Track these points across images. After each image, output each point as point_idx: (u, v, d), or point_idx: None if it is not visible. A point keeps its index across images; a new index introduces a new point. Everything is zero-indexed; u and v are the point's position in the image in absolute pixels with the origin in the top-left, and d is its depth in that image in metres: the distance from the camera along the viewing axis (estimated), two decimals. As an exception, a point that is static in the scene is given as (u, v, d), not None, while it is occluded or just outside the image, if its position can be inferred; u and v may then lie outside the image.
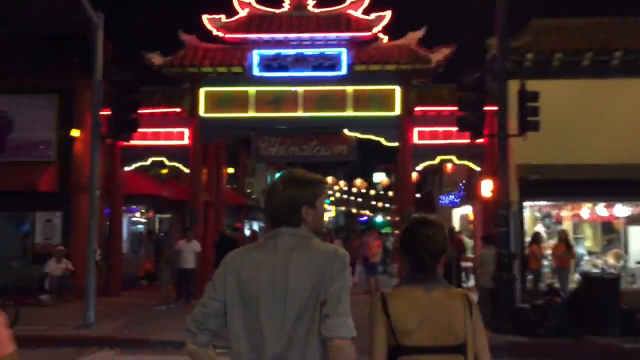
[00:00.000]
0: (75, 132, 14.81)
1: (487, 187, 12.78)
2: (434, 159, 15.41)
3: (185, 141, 15.58)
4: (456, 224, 23.90)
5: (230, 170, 24.30)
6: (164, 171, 21.25)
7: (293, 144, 15.60)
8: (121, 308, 13.82)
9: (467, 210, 21.70)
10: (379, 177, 29.09)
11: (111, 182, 15.61)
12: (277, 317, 2.31)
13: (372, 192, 41.94)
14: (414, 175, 21.24)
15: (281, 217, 2.43)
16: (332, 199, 42.22)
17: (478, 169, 15.20)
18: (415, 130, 15.28)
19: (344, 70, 15.31)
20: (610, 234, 15.91)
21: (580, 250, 15.32)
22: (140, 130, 15.26)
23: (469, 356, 2.50)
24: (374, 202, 46.46)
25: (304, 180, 2.48)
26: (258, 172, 31.48)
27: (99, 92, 11.72)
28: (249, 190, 31.80)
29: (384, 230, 40.22)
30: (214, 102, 15.54)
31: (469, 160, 15.24)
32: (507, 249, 11.14)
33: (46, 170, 15.12)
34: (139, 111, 15.05)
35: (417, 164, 15.39)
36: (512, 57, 13.85)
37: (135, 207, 19.17)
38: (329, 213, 51.52)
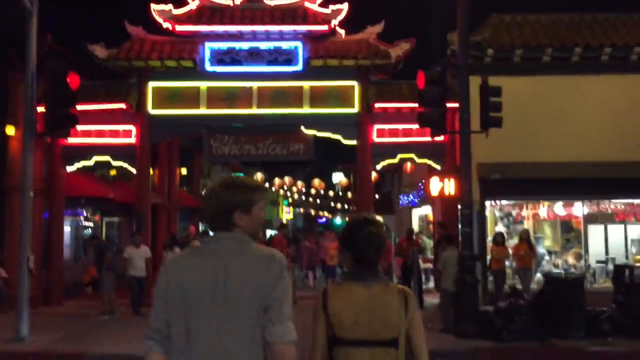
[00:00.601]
0: (10, 130, 13.73)
1: (440, 186, 12.31)
2: (394, 157, 14.90)
3: (132, 139, 14.66)
4: (415, 224, 23.55)
5: (184, 171, 23.33)
6: (113, 172, 20.23)
7: (247, 142, 14.86)
8: (61, 319, 12.83)
9: (427, 210, 21.33)
10: (338, 178, 28.52)
11: (51, 183, 14.57)
12: (218, 321, 2.34)
13: (331, 193, 41.42)
14: (373, 175, 20.79)
15: (216, 221, 2.49)
16: (289, 200, 41.53)
17: (439, 167, 14.75)
18: (375, 127, 14.74)
19: (300, 65, 14.66)
20: (570, 233, 15.71)
21: (540, 250, 15.04)
22: (83, 127, 14.41)
23: (401, 349, 2.60)
24: (332, 204, 45.99)
25: (242, 186, 2.52)
26: (214, 173, 30.59)
27: (31, 85, 10.75)
28: (204, 192, 30.87)
29: (343, 232, 39.88)
30: (163, 98, 14.68)
31: (430, 159, 14.78)
32: (470, 250, 10.66)
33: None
34: (80, 107, 14.24)
35: (377, 163, 14.85)
36: (473, 53, 13.46)
37: (80, 210, 18.10)
38: (287, 215, 50.84)
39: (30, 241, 10.86)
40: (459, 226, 14.11)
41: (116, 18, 14.99)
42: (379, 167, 15.10)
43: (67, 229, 16.84)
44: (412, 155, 14.91)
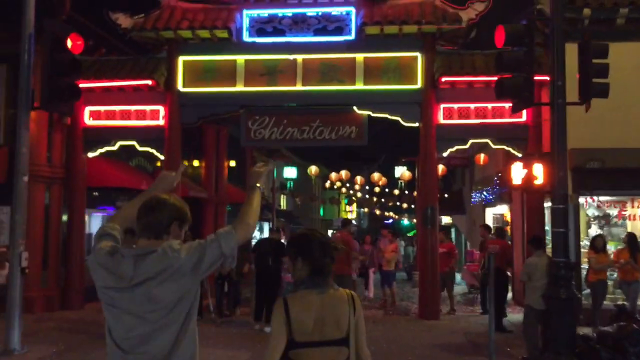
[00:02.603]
0: (26, 110, 12.15)
1: (524, 175, 9.65)
2: (464, 142, 12.42)
3: (160, 121, 12.85)
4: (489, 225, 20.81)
5: (232, 163, 21.52)
6: (158, 164, 18.69)
7: (290, 124, 12.75)
8: (73, 325, 11.13)
9: (503, 209, 18.60)
10: (401, 172, 25.97)
11: (70, 170, 12.96)
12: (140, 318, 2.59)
13: (396, 192, 38.81)
14: (441, 168, 18.27)
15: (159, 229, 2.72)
16: (353, 198, 39.22)
17: (520, 154, 12.16)
18: (441, 107, 12.32)
19: (352, 34, 12.45)
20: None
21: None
22: (106, 108, 12.77)
23: (352, 347, 2.80)
24: (398, 203, 43.33)
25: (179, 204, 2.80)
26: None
27: (28, 50, 9.04)
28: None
29: (410, 234, 37.14)
30: (195, 73, 12.80)
31: (509, 144, 12.21)
32: (565, 256, 8.10)
33: (-8, 156, 12.53)
34: (102, 84, 12.62)
35: (444, 149, 12.40)
36: (565, 14, 10.78)
37: (111, 205, 16.50)
38: (350, 215, 48.60)
39: (24, 235, 9.12)
40: (546, 227, 11.53)
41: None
42: (445, 154, 12.64)
43: (97, 224, 15.30)
44: (487, 140, 12.39)
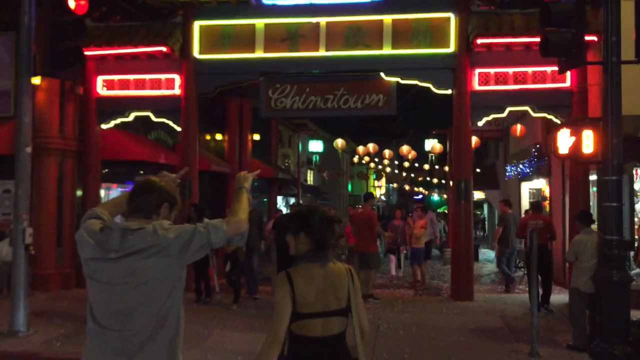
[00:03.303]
0: (35, 80, 11.55)
1: (571, 142, 8.65)
2: (501, 110, 11.46)
3: (176, 91, 12.16)
4: (525, 200, 19.79)
5: (256, 137, 20.82)
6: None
7: (314, 92, 11.93)
8: (84, 305, 10.63)
9: (540, 183, 17.57)
10: (431, 145, 24.94)
11: (84, 142, 12.39)
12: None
13: (426, 166, 37.75)
14: (474, 140, 17.28)
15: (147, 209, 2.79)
16: (382, 173, 38.33)
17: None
18: (476, 72, 11.36)
19: (380, -6, 11.52)
20: None
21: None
22: (119, 77, 12.13)
23: (353, 316, 2.94)
24: (428, 178, 42.27)
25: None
26: (294, 141, 28.01)
27: (29, 11, 8.37)
28: (286, 163, 28.41)
29: (440, 210, 36.15)
30: (212, 39, 12.04)
31: (551, 112, 11.22)
32: (618, 234, 7.20)
33: (2, 128, 12.03)
34: (114, 51, 11.95)
35: (479, 118, 11.46)
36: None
37: (137, 178, 15.98)
38: (379, 190, 47.70)
39: (27, 210, 8.56)
40: (591, 202, 10.60)
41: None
42: (481, 123, 11.69)
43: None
44: (527, 108, 11.41)
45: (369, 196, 12.65)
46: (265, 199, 24.64)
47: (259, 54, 11.87)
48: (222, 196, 18.26)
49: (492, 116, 11.57)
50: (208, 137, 19.42)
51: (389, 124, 55.18)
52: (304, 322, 2.81)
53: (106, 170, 13.70)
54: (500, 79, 11.28)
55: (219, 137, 19.52)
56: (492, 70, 11.30)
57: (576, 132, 8.01)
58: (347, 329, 2.92)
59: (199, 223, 2.75)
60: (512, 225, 12.69)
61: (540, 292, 10.00)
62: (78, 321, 9.26)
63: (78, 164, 12.41)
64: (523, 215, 14.25)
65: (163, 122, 12.66)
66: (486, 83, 11.34)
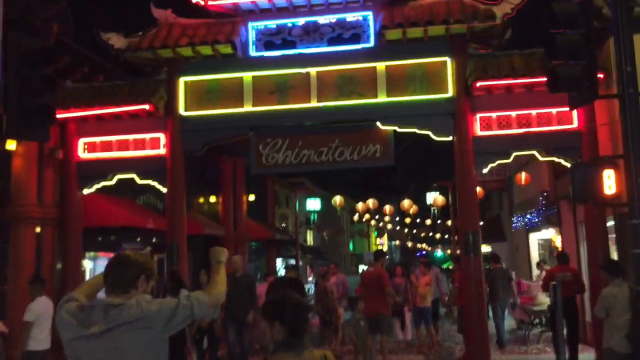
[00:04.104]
0: (10, 144, 10.95)
1: (601, 183, 7.89)
2: (506, 155, 10.76)
3: (161, 150, 11.50)
4: (534, 252, 18.94)
5: (251, 197, 20.12)
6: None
7: (307, 146, 11.28)
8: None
9: (549, 233, 16.76)
10: (433, 198, 24.21)
11: (64, 210, 11.63)
12: None
13: (428, 221, 36.98)
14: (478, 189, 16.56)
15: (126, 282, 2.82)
16: (384, 230, 37.45)
17: (573, 167, 10.48)
18: (477, 116, 10.75)
19: (371, 41, 11.06)
20: None
21: None
22: (101, 139, 11.52)
23: None
24: (431, 234, 41.40)
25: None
26: (291, 200, 27.29)
27: (-6, 68, 7.77)
28: (283, 225, 27.61)
29: (445, 266, 35.08)
30: (198, 95, 11.48)
31: (560, 155, 10.53)
32: (652, 284, 6.37)
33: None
34: (95, 111, 11.35)
35: (483, 164, 10.78)
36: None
37: (125, 245, 15.15)
38: (381, 248, 46.64)
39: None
40: (614, 248, 9.77)
41: (141, 3, 12.06)
42: (486, 170, 11.01)
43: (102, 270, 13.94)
44: (534, 152, 10.73)
45: (380, 254, 11.80)
46: (259, 262, 23.71)
47: (247, 108, 11.29)
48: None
49: (497, 162, 10.88)
50: (201, 200, 18.75)
51: (388, 178, 54.70)
52: None
53: (96, 238, 12.94)
54: (503, 122, 10.66)
55: (212, 199, 18.84)
56: (493, 114, 10.69)
57: (594, 173, 7.28)
58: None
59: (181, 294, 2.82)
60: (499, 280, 12.14)
61: (567, 352, 9.05)
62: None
63: (58, 233, 11.60)
64: (538, 268, 13.39)
65: (153, 186, 11.94)
66: (488, 128, 10.72)
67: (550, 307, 10.18)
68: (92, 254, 13.83)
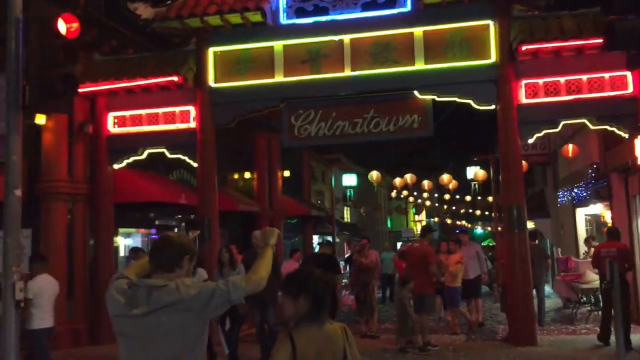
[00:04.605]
0: (40, 119, 10.77)
1: None
2: (554, 124, 10.09)
3: (191, 123, 11.20)
4: (581, 229, 18.10)
5: (287, 173, 19.76)
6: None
7: (340, 117, 10.80)
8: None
9: (597, 209, 15.92)
10: (473, 172, 23.39)
11: (95, 184, 11.46)
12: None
13: (468, 197, 36.12)
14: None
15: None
16: (423, 206, 36.79)
17: (626, 135, 9.76)
18: (522, 83, 10.07)
19: (407, 5, 10.42)
20: None
21: None
22: (131, 112, 11.26)
23: None
24: (471, 210, 40.50)
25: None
26: (327, 175, 26.86)
27: (15, 37, 7.50)
28: (319, 201, 27.25)
29: (485, 243, 34.27)
30: (228, 66, 11.10)
31: (613, 123, 9.79)
32: None
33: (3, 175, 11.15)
34: (124, 84, 11.08)
35: (529, 134, 10.12)
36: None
37: (158, 221, 14.99)
38: (420, 224, 45.98)
39: (19, 260, 7.52)
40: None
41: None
42: (531, 140, 10.38)
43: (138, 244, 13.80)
44: (584, 120, 10.03)
45: (427, 229, 11.20)
46: (295, 239, 23.43)
47: (278, 78, 10.86)
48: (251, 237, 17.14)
49: (543, 132, 10.24)
50: (236, 176, 18.49)
51: (426, 157, 53.75)
52: None
53: (128, 214, 12.79)
54: (551, 89, 9.96)
55: (247, 175, 18.55)
56: (540, 81, 9.99)
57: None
58: None
59: (220, 280, 2.90)
60: (536, 258, 11.41)
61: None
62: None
63: (90, 209, 11.45)
64: (586, 244, 12.70)
65: (186, 162, 11.64)
66: (534, 95, 10.03)
67: (601, 285, 9.59)
68: (125, 230, 13.69)
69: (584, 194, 14.83)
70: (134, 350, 2.82)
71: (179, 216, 15.28)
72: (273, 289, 8.63)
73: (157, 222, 14.51)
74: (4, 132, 7.83)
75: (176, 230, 15.97)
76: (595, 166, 13.78)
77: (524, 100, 10.04)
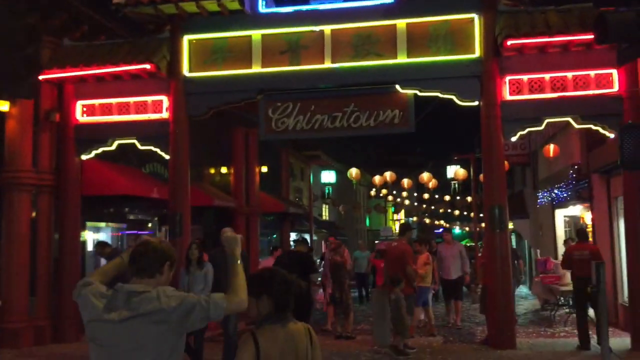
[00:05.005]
0: (3, 105, 10.23)
1: None
2: (538, 122, 9.83)
3: (164, 114, 10.74)
4: (560, 230, 17.99)
5: (264, 169, 19.35)
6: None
7: (319, 110, 10.45)
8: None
9: (577, 210, 15.79)
10: (453, 171, 23.18)
11: (62, 176, 10.95)
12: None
13: (447, 197, 36.03)
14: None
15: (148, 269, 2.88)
16: (400, 205, 36.62)
17: (611, 135, 9.56)
18: (507, 79, 9.80)
19: (391, -4, 10.10)
20: None
21: None
22: (100, 101, 10.79)
23: None
24: (449, 210, 40.45)
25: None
26: (305, 173, 26.50)
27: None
28: (297, 198, 26.88)
29: (463, 243, 34.16)
30: (203, 55, 10.67)
31: (598, 123, 9.58)
32: None
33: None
34: (93, 71, 10.58)
35: (512, 131, 9.85)
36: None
37: (130, 216, 14.48)
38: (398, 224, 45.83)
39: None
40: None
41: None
42: (514, 138, 10.10)
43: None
44: (568, 118, 9.81)
45: (406, 227, 10.89)
46: (275, 236, 23.06)
47: (256, 69, 10.46)
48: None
49: (527, 130, 9.98)
50: (212, 171, 18.06)
51: (406, 155, 53.65)
52: None
53: (97, 207, 12.30)
54: (535, 86, 9.71)
55: (224, 170, 18.13)
56: (525, 77, 9.74)
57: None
58: None
59: (202, 295, 2.81)
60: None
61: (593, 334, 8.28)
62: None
63: (55, 202, 10.95)
64: (565, 245, 12.51)
65: (159, 154, 11.17)
66: (519, 92, 9.77)
67: (575, 287, 9.50)
68: (94, 224, 13.17)
69: (564, 195, 14.67)
70: (105, 358, 2.74)
71: (152, 211, 14.80)
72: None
73: (130, 217, 14.00)
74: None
75: (150, 225, 15.49)
76: (576, 167, 13.62)
77: (508, 96, 9.78)
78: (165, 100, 10.70)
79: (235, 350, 7.76)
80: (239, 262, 2.98)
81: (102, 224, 13.48)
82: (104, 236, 13.34)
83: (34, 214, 10.71)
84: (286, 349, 2.90)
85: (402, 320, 9.17)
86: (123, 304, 2.70)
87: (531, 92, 9.73)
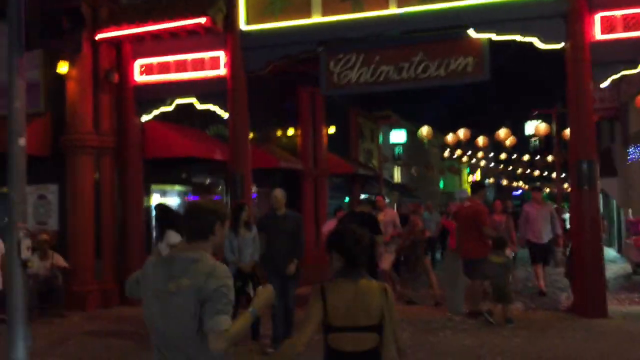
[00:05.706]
0: (62, 66, 10.07)
1: None
2: (634, 65, 8.67)
3: (221, 70, 10.28)
4: (654, 188, 16.47)
5: (331, 130, 18.72)
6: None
7: (385, 61, 9.66)
8: (118, 327, 8.97)
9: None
10: (533, 127, 21.62)
11: (122, 137, 10.76)
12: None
13: (526, 157, 34.28)
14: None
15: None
16: (477, 165, 35.18)
17: None
18: (597, 16, 8.66)
19: None
20: None
21: None
22: (158, 59, 10.44)
23: (385, 334, 3.03)
24: (528, 170, 38.60)
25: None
26: (375, 134, 25.65)
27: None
28: (368, 159, 26.16)
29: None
30: (260, 6, 10.06)
31: None
32: None
33: (33, 126, 10.57)
34: (148, 27, 10.21)
35: (603, 76, 8.75)
36: None
37: (194, 179, 14.25)
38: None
39: (24, 217, 6.85)
40: None
41: None
42: (605, 84, 8.98)
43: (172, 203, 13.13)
44: (671, 61, 8.58)
45: (478, 186, 9.98)
46: (347, 199, 22.53)
47: (316, 18, 9.76)
48: (295, 196, 16.30)
49: (620, 73, 8.81)
50: (279, 133, 17.62)
51: (480, 115, 51.56)
52: (335, 335, 3.01)
53: (161, 170, 12.12)
54: (631, 22, 8.52)
55: (291, 132, 17.66)
56: (618, 13, 8.56)
57: None
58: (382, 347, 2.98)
59: (224, 316, 2.67)
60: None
61: None
62: (99, 352, 7.53)
63: (117, 163, 10.79)
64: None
65: (222, 115, 10.77)
66: (611, 30, 8.62)
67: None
68: (159, 186, 13.03)
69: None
70: (151, 309, 2.77)
71: (219, 175, 14.55)
72: (288, 257, 7.34)
73: (193, 180, 13.81)
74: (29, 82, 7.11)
75: (220, 188, 15.26)
76: (676, 117, 12.21)
77: (598, 36, 8.65)
78: (222, 56, 10.23)
79: (291, 327, 7.04)
80: (250, 315, 2.77)
81: (168, 187, 13.34)
82: (170, 201, 13.21)
83: (96, 177, 10.60)
84: (354, 304, 2.97)
85: (506, 287, 8.36)
86: (180, 272, 2.70)
87: (626, 30, 8.56)
